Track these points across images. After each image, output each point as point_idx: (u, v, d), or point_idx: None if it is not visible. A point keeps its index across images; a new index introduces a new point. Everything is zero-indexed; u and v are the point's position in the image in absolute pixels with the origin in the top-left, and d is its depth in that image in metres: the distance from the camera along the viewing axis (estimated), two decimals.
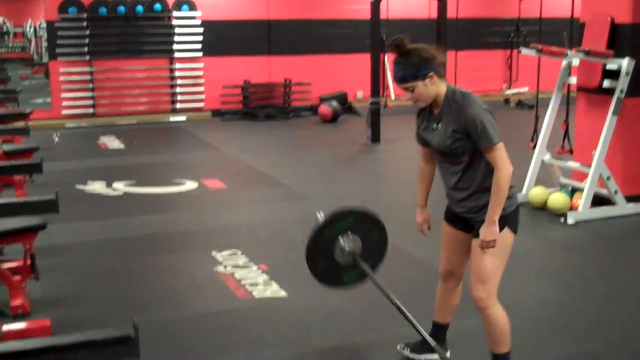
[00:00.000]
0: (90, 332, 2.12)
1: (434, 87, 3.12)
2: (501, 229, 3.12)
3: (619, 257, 5.46)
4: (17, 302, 4.27)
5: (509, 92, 14.68)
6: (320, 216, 3.55)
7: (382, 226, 3.63)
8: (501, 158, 3.06)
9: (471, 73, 14.23)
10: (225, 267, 5.13)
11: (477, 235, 3.16)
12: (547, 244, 5.79)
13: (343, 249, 3.58)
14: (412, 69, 3.08)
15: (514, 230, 3.21)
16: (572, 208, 6.38)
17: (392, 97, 13.28)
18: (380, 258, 3.75)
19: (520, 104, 13.85)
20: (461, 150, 3.13)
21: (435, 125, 3.19)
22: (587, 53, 6.13)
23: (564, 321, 4.19)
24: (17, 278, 4.40)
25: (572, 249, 5.59)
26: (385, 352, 3.80)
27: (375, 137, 10.21)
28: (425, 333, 3.42)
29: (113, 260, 5.42)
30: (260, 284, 4.81)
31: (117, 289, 4.81)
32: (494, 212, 3.06)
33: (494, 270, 3.17)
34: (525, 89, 14.56)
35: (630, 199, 6.41)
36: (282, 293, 4.64)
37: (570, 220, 6.15)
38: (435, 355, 3.52)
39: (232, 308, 4.43)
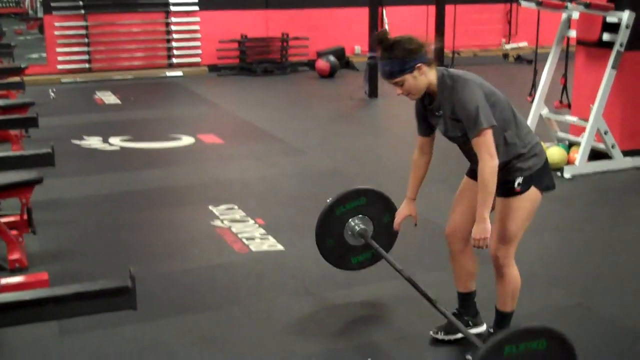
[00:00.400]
0: (88, 283, 2.13)
1: (424, 78, 3.00)
2: (526, 189, 3.05)
3: (615, 210, 5.48)
4: (15, 256, 4.28)
5: (507, 46, 14.56)
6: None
7: (395, 208, 3.62)
8: (485, 147, 2.92)
9: (470, 27, 14.09)
10: (223, 221, 5.14)
11: (503, 193, 3.07)
12: (544, 198, 5.77)
13: (353, 229, 3.68)
14: (398, 62, 2.96)
15: (543, 188, 3.12)
16: (569, 162, 6.38)
17: None
18: (390, 242, 3.79)
19: (519, 58, 13.74)
20: (465, 133, 3.02)
21: (437, 112, 3.09)
22: (588, 6, 6.06)
23: (559, 274, 4.22)
24: (14, 232, 4.41)
25: (568, 203, 5.60)
26: (383, 304, 3.83)
27: (373, 92, 10.16)
28: (445, 311, 3.25)
29: (110, 214, 5.43)
30: (257, 237, 4.82)
31: (114, 243, 4.82)
32: (483, 208, 2.95)
33: (517, 230, 3.11)
34: (524, 44, 14.44)
35: (627, 153, 6.41)
36: (279, 247, 4.66)
37: (567, 175, 6.15)
38: (473, 330, 3.39)
39: (230, 261, 4.45)
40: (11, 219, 4.60)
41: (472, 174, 3.24)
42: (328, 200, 3.69)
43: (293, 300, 3.93)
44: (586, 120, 6.31)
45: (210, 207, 5.42)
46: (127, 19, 12.23)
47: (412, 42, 2.98)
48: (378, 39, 3.01)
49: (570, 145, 6.64)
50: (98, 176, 6.44)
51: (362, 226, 3.71)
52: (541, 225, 5.08)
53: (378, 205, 3.74)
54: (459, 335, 3.39)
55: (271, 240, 4.77)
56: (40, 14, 12.21)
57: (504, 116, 3.03)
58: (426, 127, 3.24)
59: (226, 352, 3.38)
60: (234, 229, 4.97)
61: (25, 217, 4.44)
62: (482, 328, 3.45)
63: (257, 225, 5.05)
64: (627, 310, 3.77)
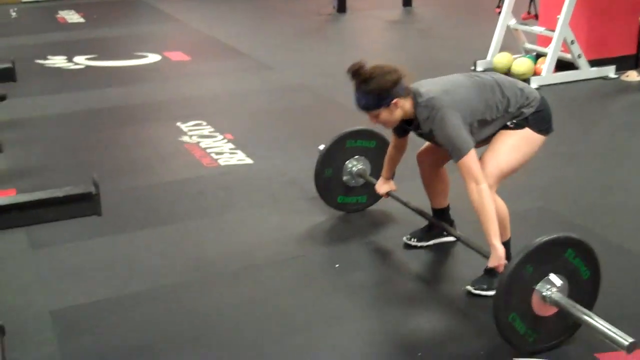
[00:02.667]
0: (52, 190, 2.14)
1: (399, 111, 2.96)
2: (519, 128, 3.01)
3: (579, 118, 5.55)
4: None
5: None
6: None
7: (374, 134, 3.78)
8: (469, 174, 2.85)
9: None
10: (191, 137, 5.14)
11: (511, 127, 3.04)
12: None
13: (353, 167, 3.76)
14: (374, 98, 2.92)
15: (540, 130, 3.06)
16: (536, 73, 6.41)
17: None
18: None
19: None
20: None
21: (420, 130, 3.05)
22: None
23: (523, 180, 4.29)
24: None
25: None
26: (352, 213, 3.89)
27: (341, 7, 10.04)
28: (460, 235, 3.26)
29: (76, 132, 5.40)
30: (226, 152, 4.83)
31: (81, 160, 4.81)
32: (490, 237, 2.83)
33: (506, 168, 3.01)
34: None
35: (594, 62, 6.45)
36: (248, 160, 4.68)
37: (533, 85, 6.18)
38: (443, 239, 3.50)
39: (199, 175, 4.47)
40: None
41: None
42: (343, 131, 3.76)
43: (262, 210, 3.98)
44: (553, 30, 6.31)
45: (178, 124, 5.41)
46: None
47: (388, 77, 2.91)
48: (353, 72, 2.95)
49: (538, 56, 6.66)
50: (63, 95, 6.36)
51: (361, 166, 3.77)
52: None
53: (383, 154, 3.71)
54: (431, 242, 3.50)
55: (240, 154, 4.79)
56: None
57: (485, 112, 2.97)
58: (401, 131, 3.24)
59: (194, 261, 3.43)
60: (202, 145, 4.97)
61: None
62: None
63: (225, 140, 5.06)
64: (582, 210, 3.89)
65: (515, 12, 6.90)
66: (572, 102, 5.91)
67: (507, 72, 6.53)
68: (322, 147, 3.77)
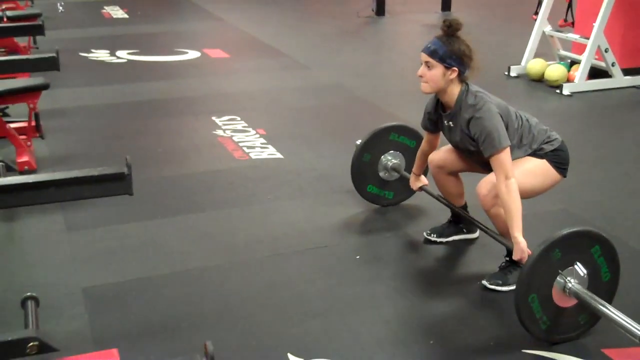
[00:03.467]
0: (87, 169, 2.29)
1: (448, 82, 3.04)
2: (538, 157, 3.11)
3: (608, 125, 5.58)
4: (24, 158, 4.46)
5: None
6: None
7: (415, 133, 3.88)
8: (502, 167, 2.92)
9: None
10: (225, 131, 5.29)
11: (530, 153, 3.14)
12: (541, 113, 5.86)
13: (388, 161, 3.86)
14: (446, 51, 3.00)
15: (557, 166, 3.14)
16: (569, 80, 6.45)
17: None
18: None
19: None
20: (474, 148, 3.09)
21: (448, 123, 3.15)
22: None
23: None
24: (23, 137, 4.58)
25: (564, 118, 5.70)
26: (374, 208, 4.00)
27: (380, 10, 10.15)
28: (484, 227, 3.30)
29: (116, 122, 5.59)
30: (257, 146, 4.97)
31: (119, 148, 4.99)
32: (513, 230, 2.90)
33: (520, 186, 2.99)
34: None
35: (627, 71, 6.46)
36: (278, 155, 4.81)
37: (565, 91, 6.24)
38: (462, 236, 3.59)
39: (230, 167, 4.62)
40: (20, 124, 4.77)
41: None
42: (391, 123, 3.91)
43: (289, 202, 4.11)
44: (588, 38, 6.34)
45: (213, 118, 5.57)
46: None
47: (468, 49, 3.03)
48: (448, 23, 3.03)
49: (572, 63, 6.69)
50: (104, 87, 6.57)
51: (397, 161, 3.87)
52: None
53: (399, 136, 3.89)
54: (451, 238, 3.59)
55: (271, 149, 4.92)
56: None
57: (514, 129, 3.08)
58: (433, 126, 3.33)
59: (223, 247, 3.57)
60: (235, 138, 5.12)
61: (33, 122, 4.59)
62: (476, 234, 3.62)
63: (258, 135, 5.20)
64: (604, 214, 3.94)
65: (552, 20, 6.94)
66: (603, 109, 5.94)
67: (541, 78, 6.58)
68: (359, 142, 3.87)
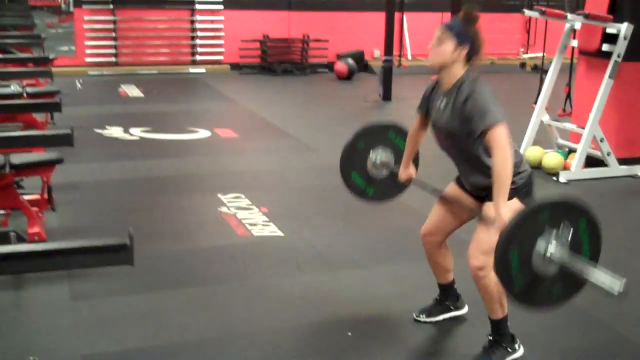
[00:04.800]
0: (91, 239, 2.46)
1: (455, 59, 3.13)
2: (509, 198, 3.04)
3: (602, 213, 5.61)
4: (34, 229, 4.63)
5: (525, 56, 14.79)
6: None
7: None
8: (498, 140, 2.97)
9: (489, 35, 14.26)
10: (229, 208, 5.48)
11: (488, 200, 3.18)
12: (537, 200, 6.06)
13: (378, 156, 3.79)
14: (462, 30, 3.12)
15: (527, 203, 3.06)
16: (566, 168, 6.64)
17: (409, 57, 13.47)
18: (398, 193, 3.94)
19: (535, 68, 13.95)
20: (459, 131, 3.13)
21: (441, 102, 3.22)
22: (587, 16, 6.34)
23: None
24: (35, 209, 4.77)
25: None
26: (368, 285, 4.13)
27: (387, 95, 10.46)
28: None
29: (125, 197, 5.80)
30: (259, 224, 5.15)
31: (127, 222, 5.09)
32: (499, 199, 2.96)
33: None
34: (541, 54, 14.64)
35: (622, 161, 6.65)
36: (280, 233, 4.98)
37: (562, 179, 6.42)
38: (452, 313, 3.69)
39: (232, 243, 4.79)
40: (33, 196, 4.97)
41: (459, 180, 3.40)
42: (393, 121, 3.93)
43: (287, 279, 4.25)
44: (584, 128, 6.56)
45: (219, 195, 5.76)
46: (154, 15, 12.65)
47: (480, 38, 3.18)
48: (471, 11, 3.17)
49: (570, 152, 6.89)
50: (117, 163, 6.81)
51: (386, 159, 3.78)
52: None
53: (397, 136, 3.82)
54: (440, 317, 3.69)
55: (272, 226, 5.10)
56: (71, 8, 12.67)
57: None
58: (427, 108, 3.38)
59: (222, 321, 3.71)
60: (239, 216, 5.30)
61: (46, 195, 4.80)
62: (464, 310, 3.73)
63: (261, 213, 5.38)
64: (593, 300, 4.03)
65: (553, 109, 7.19)
66: (598, 198, 6.09)
67: (538, 165, 6.78)
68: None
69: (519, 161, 3.14)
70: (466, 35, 3.13)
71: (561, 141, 7.07)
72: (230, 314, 3.80)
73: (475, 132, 3.05)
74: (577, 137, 6.83)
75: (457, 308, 3.73)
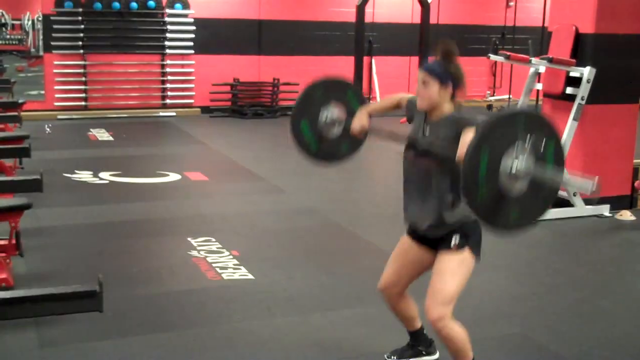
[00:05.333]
0: (61, 287, 2.46)
1: (442, 100, 3.19)
2: (461, 248, 3.19)
3: (568, 252, 5.83)
4: (2, 275, 4.59)
5: (492, 98, 15.06)
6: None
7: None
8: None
9: None
10: (199, 251, 5.47)
11: (443, 251, 3.24)
12: (505, 240, 6.12)
13: (327, 116, 3.69)
14: (443, 71, 3.19)
15: (475, 253, 3.24)
16: None
17: (378, 99, 13.62)
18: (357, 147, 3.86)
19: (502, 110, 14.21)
20: (437, 150, 3.16)
21: (426, 127, 3.27)
22: (551, 60, 6.50)
23: (504, 307, 4.56)
24: (2, 254, 4.73)
25: (526, 244, 5.93)
26: (338, 328, 4.15)
27: None
28: None
29: (94, 242, 5.76)
30: (230, 267, 5.14)
31: (95, 267, 5.13)
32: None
33: (455, 291, 3.20)
34: (507, 96, 14.93)
35: (588, 201, 6.76)
36: (250, 276, 4.98)
37: None
38: (424, 358, 3.67)
39: (202, 287, 4.77)
40: (1, 242, 4.92)
41: (412, 233, 3.42)
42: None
43: (257, 323, 4.25)
44: None
45: (189, 239, 5.75)
46: (124, 60, 12.67)
47: (461, 73, 3.23)
48: (448, 48, 3.22)
49: None
50: (86, 207, 6.78)
51: (339, 117, 3.69)
52: (494, 263, 5.44)
53: (354, 98, 3.76)
54: None
55: (243, 270, 5.09)
56: (41, 52, 12.66)
57: None
58: (410, 117, 3.43)
59: None
60: (209, 259, 5.30)
61: (14, 240, 4.76)
62: (436, 356, 3.72)
63: (231, 256, 5.38)
64: (560, 338, 4.10)
65: None
66: (564, 237, 6.20)
67: None
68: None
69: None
70: (448, 74, 3.20)
71: None
72: (200, 359, 3.78)
73: (452, 156, 3.03)
74: None
75: (429, 353, 3.71)
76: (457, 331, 3.24)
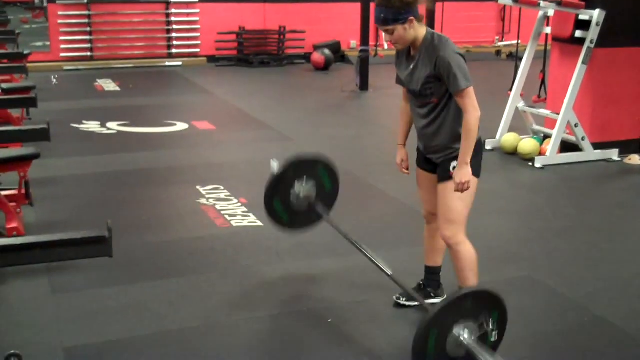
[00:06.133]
0: (70, 232, 2.47)
1: (413, 31, 3.23)
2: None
3: (577, 197, 5.82)
4: (12, 225, 4.63)
5: (501, 44, 14.89)
6: (275, 165, 3.90)
7: (336, 176, 4.00)
8: (470, 102, 3.18)
9: (464, 24, 14.42)
10: (208, 199, 5.49)
11: (441, 178, 3.39)
12: (513, 185, 6.15)
13: (298, 194, 3.89)
14: (393, 12, 3.17)
15: (476, 174, 3.34)
16: (542, 153, 6.71)
17: (385, 46, 13.49)
18: (331, 204, 4.04)
19: (511, 55, 14.04)
20: (430, 91, 3.29)
21: (411, 66, 3.34)
22: (560, 3, 6.40)
23: (513, 251, 4.57)
24: (13, 204, 4.76)
25: (535, 190, 5.94)
26: (347, 273, 4.18)
27: (364, 85, 10.49)
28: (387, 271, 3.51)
29: (103, 191, 5.79)
30: (238, 214, 5.17)
31: (105, 215, 5.09)
32: (466, 154, 3.20)
33: (460, 209, 3.36)
34: (516, 42, 14.75)
35: (597, 145, 6.73)
36: (259, 223, 5.01)
37: (537, 164, 6.49)
38: (432, 300, 3.70)
39: (211, 234, 4.81)
40: (10, 192, 4.96)
41: (420, 159, 3.58)
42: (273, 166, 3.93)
43: (266, 268, 4.29)
44: (558, 113, 6.64)
45: (198, 187, 5.77)
46: (129, 9, 12.57)
47: None
48: None
49: (545, 137, 6.97)
50: (94, 157, 6.80)
51: (306, 190, 3.89)
52: (503, 208, 5.46)
53: (324, 173, 3.96)
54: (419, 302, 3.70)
55: (252, 217, 5.12)
56: (45, 3, 12.54)
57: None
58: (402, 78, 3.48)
59: (202, 311, 3.74)
60: (217, 207, 5.32)
61: (23, 190, 4.79)
62: (441, 299, 3.75)
63: (240, 204, 5.40)
64: (567, 281, 4.13)
65: (528, 95, 7.27)
66: (573, 182, 6.18)
67: (514, 152, 6.85)
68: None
69: None
70: (400, 12, 3.19)
71: (536, 127, 7.15)
72: (210, 303, 3.82)
73: (445, 90, 3.26)
74: (552, 123, 6.91)
75: (437, 296, 3.77)
76: (467, 250, 3.42)
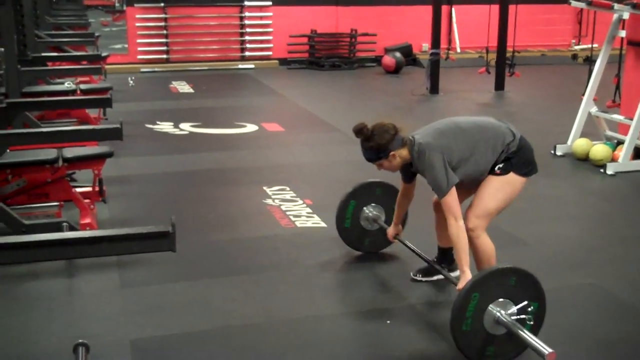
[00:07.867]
0: (136, 227, 2.58)
1: (398, 159, 3.56)
2: (505, 173, 3.52)
3: None
4: (86, 220, 4.81)
5: (577, 47, 14.58)
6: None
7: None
8: (450, 210, 3.42)
9: (539, 27, 14.20)
10: (274, 200, 5.59)
11: (498, 172, 3.53)
12: (583, 191, 6.04)
13: (368, 216, 4.38)
14: (374, 152, 3.55)
15: (522, 173, 3.55)
16: (614, 160, 6.56)
17: (458, 49, 13.42)
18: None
19: (588, 59, 13.73)
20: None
21: (417, 170, 3.66)
22: (634, 6, 6.26)
23: (578, 258, 4.50)
24: (86, 200, 4.95)
25: (605, 197, 5.82)
26: (404, 274, 4.20)
27: (434, 88, 10.46)
28: (428, 259, 3.98)
29: (174, 189, 5.96)
30: (303, 215, 5.24)
31: (174, 213, 5.20)
32: (461, 263, 3.42)
33: (491, 209, 3.56)
34: (594, 45, 14.42)
35: None
36: (322, 224, 5.07)
37: (609, 171, 6.35)
38: (446, 274, 3.86)
39: (275, 234, 4.89)
40: (85, 189, 5.15)
41: None
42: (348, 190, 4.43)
43: (329, 269, 4.34)
44: (632, 118, 6.48)
45: (264, 188, 5.88)
46: (204, 13, 12.86)
47: (385, 135, 3.51)
48: (357, 131, 3.56)
49: (618, 143, 6.81)
50: (166, 157, 6.99)
51: (375, 212, 4.38)
52: (571, 214, 5.37)
53: (390, 196, 4.32)
54: (435, 277, 4.04)
55: (316, 218, 5.18)
56: (124, 7, 12.95)
57: (465, 154, 3.49)
58: (408, 176, 3.85)
59: (265, 308, 3.81)
60: (283, 207, 5.41)
61: (97, 187, 4.98)
62: (456, 273, 3.87)
63: (305, 205, 5.48)
64: (634, 289, 4.04)
65: (602, 100, 7.12)
66: None
67: (586, 157, 6.72)
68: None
69: (510, 141, 3.52)
70: (381, 150, 3.52)
71: (609, 133, 6.99)
72: (273, 301, 3.90)
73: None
74: (625, 129, 6.75)
75: (451, 271, 3.97)
76: (486, 243, 3.60)
